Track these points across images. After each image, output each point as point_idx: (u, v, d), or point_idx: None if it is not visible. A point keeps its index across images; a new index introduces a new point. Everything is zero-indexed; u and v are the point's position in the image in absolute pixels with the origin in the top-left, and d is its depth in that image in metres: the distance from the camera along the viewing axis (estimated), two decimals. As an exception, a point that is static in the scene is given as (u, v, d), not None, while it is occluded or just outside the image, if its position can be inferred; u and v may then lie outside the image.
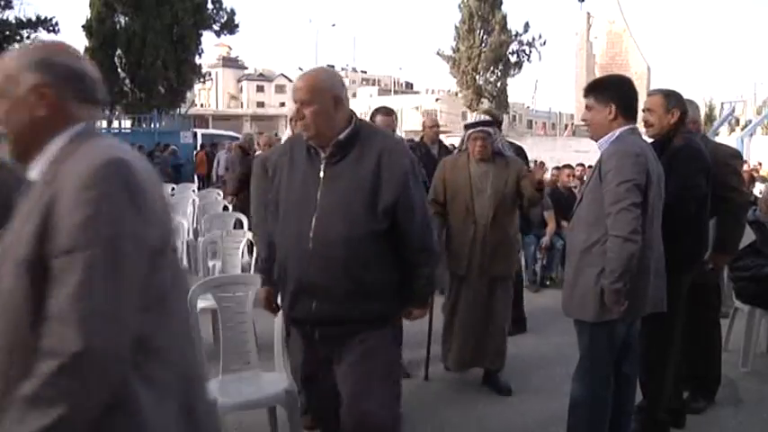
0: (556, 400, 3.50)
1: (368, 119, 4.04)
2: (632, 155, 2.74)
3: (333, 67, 79.49)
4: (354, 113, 2.48)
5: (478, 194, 4.09)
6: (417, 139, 7.08)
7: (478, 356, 4.19)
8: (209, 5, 29.50)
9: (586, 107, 2.99)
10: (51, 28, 24.30)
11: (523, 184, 4.08)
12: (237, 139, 13.12)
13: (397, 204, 2.35)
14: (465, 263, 4.09)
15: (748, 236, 4.32)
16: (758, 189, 11.98)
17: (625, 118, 2.88)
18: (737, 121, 35.18)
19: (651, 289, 2.88)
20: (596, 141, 2.96)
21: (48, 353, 1.19)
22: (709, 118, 44.02)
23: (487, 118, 4.39)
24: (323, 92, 2.36)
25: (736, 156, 4.01)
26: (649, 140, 3.57)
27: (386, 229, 2.37)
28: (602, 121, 2.90)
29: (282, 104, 61.41)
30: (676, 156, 3.30)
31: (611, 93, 2.91)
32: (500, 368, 4.23)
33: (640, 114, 3.78)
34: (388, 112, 4.29)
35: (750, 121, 30.67)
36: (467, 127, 4.32)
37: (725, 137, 25.76)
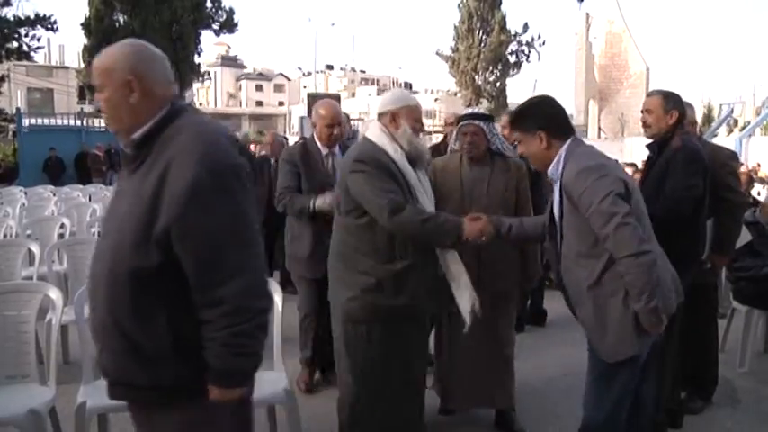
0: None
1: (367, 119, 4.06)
2: (594, 168, 2.50)
3: (331, 67, 78.59)
4: (176, 101, 1.88)
5: (472, 202, 3.42)
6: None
7: (482, 393, 3.56)
8: (208, 4, 29.48)
9: (518, 141, 2.79)
10: (50, 26, 24.31)
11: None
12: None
13: (171, 233, 1.68)
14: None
15: (744, 236, 4.33)
16: (756, 190, 12.01)
17: (559, 138, 2.64)
18: (736, 123, 35.26)
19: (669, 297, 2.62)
20: (546, 172, 2.71)
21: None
22: (708, 119, 44.10)
23: (482, 110, 3.75)
24: (114, 73, 1.83)
25: (733, 157, 4.03)
26: (647, 141, 3.60)
27: (157, 266, 1.71)
28: (537, 152, 2.68)
29: (281, 104, 61.39)
30: (674, 157, 3.32)
31: (537, 120, 2.67)
32: (511, 406, 3.63)
33: (639, 115, 3.81)
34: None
35: (749, 123, 30.74)
36: (458, 120, 3.67)
37: (723, 138, 25.81)
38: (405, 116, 2.96)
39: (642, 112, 3.53)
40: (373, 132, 2.98)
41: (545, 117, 2.68)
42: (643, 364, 2.66)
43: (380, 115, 3.01)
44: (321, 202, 3.75)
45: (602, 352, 2.59)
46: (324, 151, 3.98)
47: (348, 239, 2.94)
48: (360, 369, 2.94)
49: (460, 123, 3.53)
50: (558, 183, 2.62)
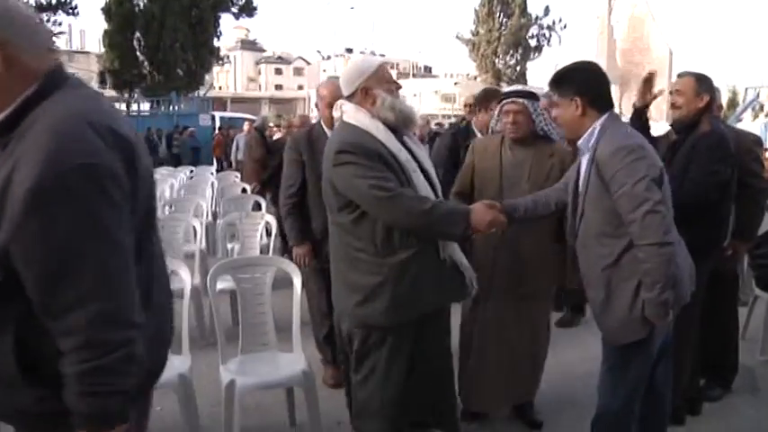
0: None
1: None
2: (635, 148, 2.41)
3: (351, 50, 78.49)
4: (53, 73, 1.47)
5: (511, 188, 3.18)
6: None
7: (511, 393, 3.41)
8: (228, -12, 29.49)
9: (555, 104, 2.66)
10: (71, 11, 24.48)
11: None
12: (253, 121, 13.23)
13: (10, 249, 1.36)
14: (486, 277, 3.10)
15: (766, 223, 4.27)
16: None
17: (596, 109, 2.53)
18: (762, 107, 34.60)
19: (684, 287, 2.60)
20: (576, 142, 2.63)
21: None
22: (733, 103, 43.28)
23: (527, 88, 3.46)
24: None
25: (758, 142, 3.97)
26: (667, 126, 3.54)
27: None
28: (570, 119, 2.58)
29: (300, 87, 61.37)
30: (700, 141, 3.27)
31: (575, 85, 2.56)
32: (531, 398, 3.53)
33: (666, 96, 3.74)
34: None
35: (762, 106, 30.13)
36: (500, 98, 3.38)
37: (748, 122, 25.33)
38: (376, 84, 2.61)
39: (672, 92, 3.45)
40: (350, 114, 2.62)
41: (585, 83, 2.57)
42: (659, 352, 2.64)
43: (351, 96, 2.66)
44: (295, 252, 3.82)
45: (606, 333, 2.62)
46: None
47: (345, 238, 2.63)
48: (376, 375, 2.67)
49: (503, 101, 3.27)
50: (588, 156, 2.54)
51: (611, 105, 2.60)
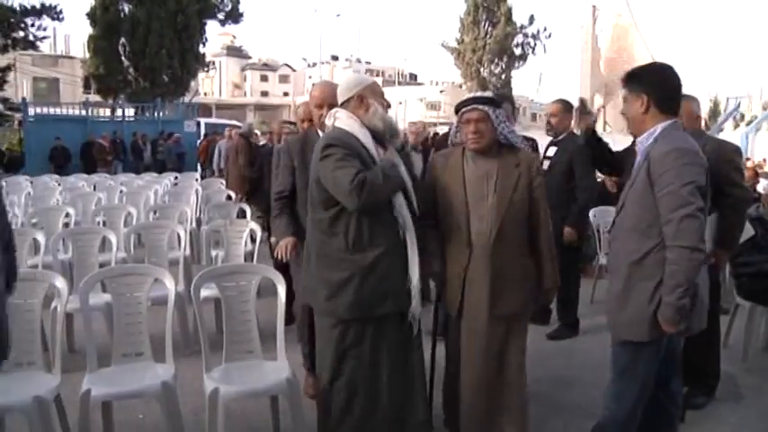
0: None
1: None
2: (691, 153, 2.46)
3: (337, 57, 78.61)
4: None
5: (476, 203, 3.00)
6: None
7: (492, 422, 3.12)
8: (214, -6, 29.44)
9: (623, 99, 2.75)
10: (56, 15, 24.31)
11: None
12: (237, 127, 13.17)
13: None
14: (457, 299, 3.05)
15: (747, 232, 4.31)
16: (762, 186, 11.96)
17: (661, 111, 2.59)
18: (743, 117, 35.06)
19: (702, 311, 2.66)
20: (635, 138, 2.74)
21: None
22: (714, 113, 43.82)
23: (487, 94, 3.16)
24: None
25: (737, 152, 4.01)
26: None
27: None
28: (635, 115, 2.65)
29: (286, 94, 61.26)
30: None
31: (644, 83, 2.63)
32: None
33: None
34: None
35: (755, 117, 30.53)
36: (457, 108, 3.10)
37: (730, 132, 25.65)
38: (371, 95, 2.91)
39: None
40: (343, 120, 2.87)
41: (655, 83, 2.62)
42: (670, 357, 2.73)
43: (346, 102, 2.90)
44: (281, 242, 3.54)
45: (614, 326, 2.68)
46: None
47: (320, 236, 2.85)
48: (336, 369, 2.87)
49: (462, 109, 3.04)
50: (642, 156, 2.60)
51: (677, 113, 2.64)
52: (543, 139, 5.31)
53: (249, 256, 5.32)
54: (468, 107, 3.01)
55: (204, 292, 3.41)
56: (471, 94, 3.11)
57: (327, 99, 3.36)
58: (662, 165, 2.45)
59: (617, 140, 5.78)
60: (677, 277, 2.39)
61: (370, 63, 74.63)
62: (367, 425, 2.89)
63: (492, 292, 2.98)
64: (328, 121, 2.96)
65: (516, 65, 39.49)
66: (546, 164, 4.88)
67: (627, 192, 2.68)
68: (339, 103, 2.95)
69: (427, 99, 51.45)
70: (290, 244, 3.48)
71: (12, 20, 23.11)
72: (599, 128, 4.05)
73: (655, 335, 2.53)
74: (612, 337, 2.75)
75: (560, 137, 4.97)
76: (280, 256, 3.49)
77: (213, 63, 51.19)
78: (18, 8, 23.61)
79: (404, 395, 2.96)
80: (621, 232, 2.66)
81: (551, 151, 5.02)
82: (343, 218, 2.76)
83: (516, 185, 3.00)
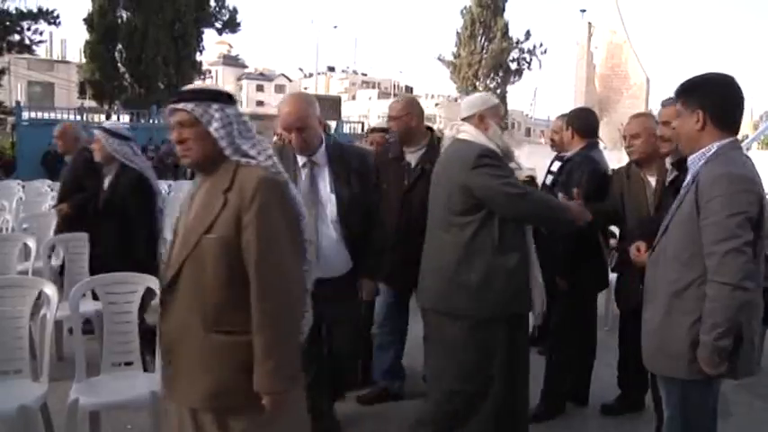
0: None
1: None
2: (745, 180, 2.21)
3: (333, 69, 78.38)
4: None
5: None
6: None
7: None
8: (212, 2, 29.59)
9: (677, 113, 2.46)
10: (52, 20, 24.33)
11: None
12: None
13: None
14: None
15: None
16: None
17: (719, 128, 2.32)
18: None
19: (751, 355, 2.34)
20: (688, 157, 2.43)
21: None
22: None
23: (202, 85, 2.35)
24: None
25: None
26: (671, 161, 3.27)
27: None
28: (689, 132, 2.36)
29: (282, 104, 61.28)
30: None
31: (701, 96, 2.34)
32: None
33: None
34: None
35: (746, 136, 30.72)
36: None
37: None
38: (491, 116, 3.03)
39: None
40: (471, 134, 2.98)
41: (713, 97, 2.34)
42: None
43: (467, 118, 3.03)
44: None
45: (652, 360, 2.50)
46: (300, 161, 3.08)
47: (458, 241, 2.92)
48: (467, 370, 2.96)
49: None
50: (692, 177, 2.35)
51: (736, 131, 2.38)
52: (540, 154, 5.27)
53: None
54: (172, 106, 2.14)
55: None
56: (186, 88, 2.21)
57: (296, 121, 2.96)
58: (710, 190, 2.21)
59: (612, 158, 5.71)
60: (715, 316, 2.18)
61: (366, 75, 74.97)
62: (503, 418, 3.00)
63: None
64: (449, 132, 3.11)
65: (512, 80, 39.72)
66: (549, 179, 4.75)
67: (672, 214, 2.42)
68: (461, 117, 3.06)
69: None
70: None
71: (8, 23, 23.09)
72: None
73: (695, 374, 2.29)
74: (654, 372, 2.61)
75: (569, 153, 4.70)
76: None
77: (209, 71, 51.24)
78: (15, 11, 23.60)
79: (524, 390, 3.15)
80: (663, 259, 2.42)
81: (555, 166, 4.93)
82: (488, 224, 2.88)
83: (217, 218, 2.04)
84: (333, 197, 3.06)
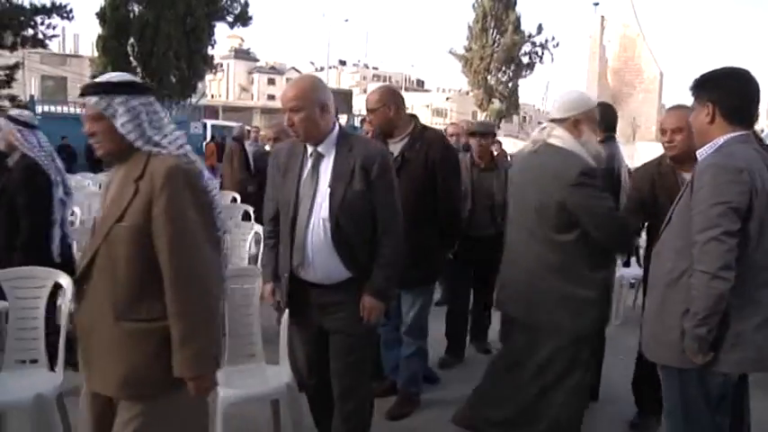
0: None
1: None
2: (732, 170, 2.20)
3: (344, 62, 78.41)
4: None
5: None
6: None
7: None
8: (223, -3, 29.55)
9: (692, 107, 2.48)
10: (65, 15, 24.38)
11: None
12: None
13: None
14: None
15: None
16: None
17: (729, 122, 2.31)
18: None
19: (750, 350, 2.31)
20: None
21: None
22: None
23: (106, 77, 2.15)
24: None
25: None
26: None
27: None
28: (700, 126, 2.38)
29: (293, 98, 61.33)
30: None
31: (711, 89, 2.35)
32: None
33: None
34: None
35: (763, 131, 30.46)
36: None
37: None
38: (586, 121, 2.92)
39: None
40: (563, 139, 2.88)
41: (723, 90, 2.34)
42: (731, 404, 2.43)
43: (561, 120, 2.92)
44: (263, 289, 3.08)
45: (648, 348, 2.54)
46: (309, 150, 2.85)
47: (557, 255, 2.89)
48: (577, 388, 3.01)
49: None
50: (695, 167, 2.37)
51: (749, 124, 2.36)
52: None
53: (253, 260, 5.32)
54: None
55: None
56: (92, 81, 2.27)
57: (290, 100, 2.74)
58: (702, 179, 2.25)
59: (624, 153, 5.67)
60: (696, 304, 2.22)
61: (377, 68, 74.87)
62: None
63: None
64: (539, 135, 2.98)
65: (523, 73, 39.53)
66: None
67: (675, 205, 2.47)
68: (555, 118, 2.96)
69: (434, 106, 51.56)
70: (267, 293, 3.04)
71: (22, 18, 23.20)
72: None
73: (688, 363, 2.32)
74: (652, 360, 2.58)
75: None
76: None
77: (221, 65, 51.42)
78: (28, 6, 23.71)
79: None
80: (663, 248, 2.47)
81: None
82: (583, 240, 2.85)
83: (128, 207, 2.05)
84: (328, 192, 2.74)
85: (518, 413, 3.07)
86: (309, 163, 2.80)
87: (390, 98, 3.65)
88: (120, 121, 2.04)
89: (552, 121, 2.93)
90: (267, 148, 7.86)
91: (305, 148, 2.84)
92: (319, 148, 2.78)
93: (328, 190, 2.71)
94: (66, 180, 4.30)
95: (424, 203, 3.50)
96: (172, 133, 2.14)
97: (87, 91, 2.08)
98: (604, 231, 2.82)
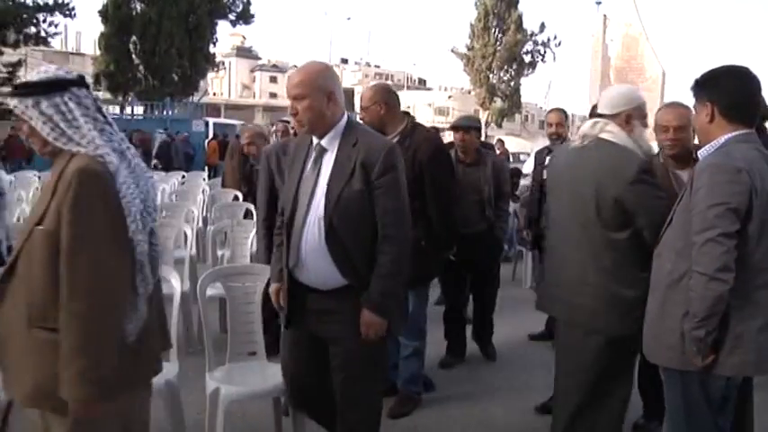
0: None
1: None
2: (730, 170, 2.18)
3: (346, 61, 78.39)
4: None
5: None
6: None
7: None
8: (226, -6, 29.58)
9: (694, 108, 2.46)
10: (68, 12, 24.41)
11: None
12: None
13: None
14: None
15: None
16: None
17: (729, 121, 2.30)
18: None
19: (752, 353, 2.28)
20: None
21: None
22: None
23: (26, 78, 2.13)
24: None
25: None
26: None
27: None
28: (701, 125, 2.38)
29: (295, 96, 61.33)
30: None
31: (709, 88, 2.34)
32: None
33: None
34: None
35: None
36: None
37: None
38: (637, 116, 2.85)
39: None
40: (615, 134, 2.80)
41: (722, 88, 2.33)
42: (733, 406, 2.42)
43: (613, 116, 2.83)
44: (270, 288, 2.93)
45: (649, 349, 2.50)
46: (315, 143, 2.67)
47: (609, 255, 2.76)
48: (622, 389, 2.92)
49: None
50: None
51: (751, 123, 2.33)
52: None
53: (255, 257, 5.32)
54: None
55: (209, 291, 3.42)
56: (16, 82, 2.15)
57: (294, 87, 2.62)
58: (700, 179, 2.23)
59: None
60: (694, 305, 2.20)
61: (379, 67, 74.82)
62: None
63: None
64: (590, 130, 2.87)
65: (525, 72, 39.51)
66: (545, 173, 4.66)
67: (676, 205, 2.43)
68: (605, 112, 2.86)
69: (435, 104, 51.54)
70: (273, 292, 2.90)
71: (24, 15, 23.21)
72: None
73: (688, 365, 2.30)
74: (653, 362, 2.57)
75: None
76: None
77: (223, 63, 51.49)
78: (31, 4, 23.72)
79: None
80: (664, 249, 2.44)
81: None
82: (636, 239, 2.72)
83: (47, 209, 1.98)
84: (325, 190, 2.55)
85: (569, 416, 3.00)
86: (312, 157, 2.64)
87: (382, 96, 3.61)
88: (36, 124, 1.93)
89: (602, 116, 2.85)
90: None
91: (311, 140, 2.68)
92: (323, 142, 2.60)
93: (326, 187, 2.55)
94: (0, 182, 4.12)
95: (412, 204, 3.27)
96: (90, 132, 1.95)
97: (11, 93, 1.97)
98: (656, 231, 2.60)
